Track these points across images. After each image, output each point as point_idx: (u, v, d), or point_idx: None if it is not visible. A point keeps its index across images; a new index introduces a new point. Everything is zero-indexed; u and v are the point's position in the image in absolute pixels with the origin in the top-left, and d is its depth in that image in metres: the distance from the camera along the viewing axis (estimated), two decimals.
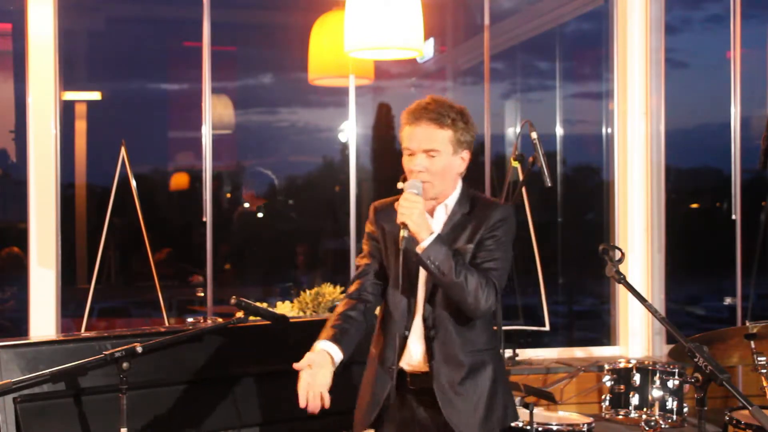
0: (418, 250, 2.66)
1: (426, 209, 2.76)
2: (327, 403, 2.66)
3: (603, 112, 5.57)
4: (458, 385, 2.76)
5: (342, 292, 4.37)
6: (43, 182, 4.57)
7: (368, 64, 5.23)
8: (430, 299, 2.78)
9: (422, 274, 2.79)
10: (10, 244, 5.61)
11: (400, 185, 2.82)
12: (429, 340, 2.77)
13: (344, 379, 2.90)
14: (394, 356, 2.79)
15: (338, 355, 2.73)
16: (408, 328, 2.79)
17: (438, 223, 2.81)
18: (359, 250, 3.03)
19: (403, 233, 2.67)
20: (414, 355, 2.81)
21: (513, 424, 3.69)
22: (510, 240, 2.81)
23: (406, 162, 2.78)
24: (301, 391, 2.65)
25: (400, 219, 2.67)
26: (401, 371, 2.82)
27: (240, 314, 3.06)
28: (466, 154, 2.81)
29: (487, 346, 2.84)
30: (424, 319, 2.78)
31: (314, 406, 2.65)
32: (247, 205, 6.63)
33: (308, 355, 2.71)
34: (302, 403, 2.65)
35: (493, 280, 2.70)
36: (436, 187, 2.77)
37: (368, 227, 2.95)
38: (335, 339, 2.75)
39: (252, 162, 6.81)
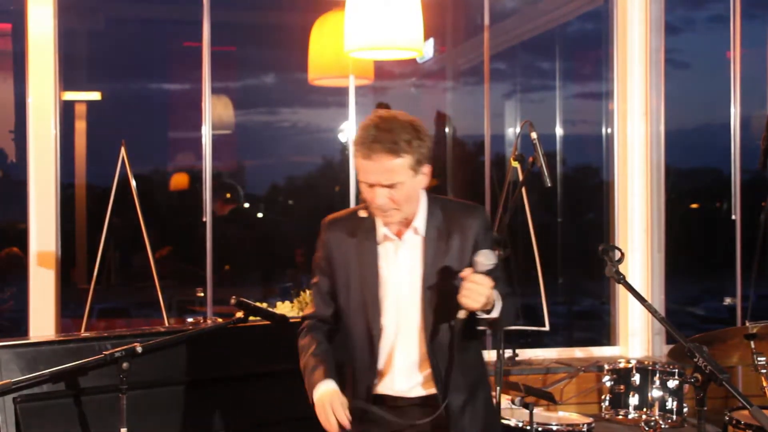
0: (491, 318, 2.54)
1: (395, 233, 2.68)
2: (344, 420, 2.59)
3: (603, 113, 5.57)
4: (463, 407, 2.69)
5: None
6: (43, 182, 4.57)
7: (368, 64, 5.23)
8: (433, 328, 2.66)
9: (416, 305, 2.69)
10: (10, 244, 5.61)
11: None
12: (434, 368, 2.67)
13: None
14: (368, 387, 2.73)
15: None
16: (373, 356, 2.70)
17: (414, 248, 2.69)
18: None
19: (461, 315, 2.50)
20: (406, 381, 2.72)
21: (513, 425, 3.73)
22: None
23: (366, 193, 2.60)
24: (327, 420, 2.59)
25: (469, 305, 2.48)
26: (380, 395, 2.75)
27: (240, 314, 3.06)
28: (426, 169, 2.61)
29: (481, 366, 2.82)
30: (428, 345, 2.67)
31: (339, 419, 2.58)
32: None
33: (322, 398, 2.63)
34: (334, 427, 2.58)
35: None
36: (404, 212, 2.63)
37: (318, 244, 2.84)
38: (331, 377, 2.69)
39: (252, 162, 6.81)
